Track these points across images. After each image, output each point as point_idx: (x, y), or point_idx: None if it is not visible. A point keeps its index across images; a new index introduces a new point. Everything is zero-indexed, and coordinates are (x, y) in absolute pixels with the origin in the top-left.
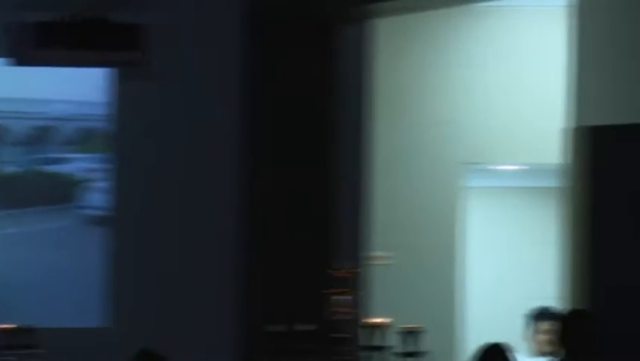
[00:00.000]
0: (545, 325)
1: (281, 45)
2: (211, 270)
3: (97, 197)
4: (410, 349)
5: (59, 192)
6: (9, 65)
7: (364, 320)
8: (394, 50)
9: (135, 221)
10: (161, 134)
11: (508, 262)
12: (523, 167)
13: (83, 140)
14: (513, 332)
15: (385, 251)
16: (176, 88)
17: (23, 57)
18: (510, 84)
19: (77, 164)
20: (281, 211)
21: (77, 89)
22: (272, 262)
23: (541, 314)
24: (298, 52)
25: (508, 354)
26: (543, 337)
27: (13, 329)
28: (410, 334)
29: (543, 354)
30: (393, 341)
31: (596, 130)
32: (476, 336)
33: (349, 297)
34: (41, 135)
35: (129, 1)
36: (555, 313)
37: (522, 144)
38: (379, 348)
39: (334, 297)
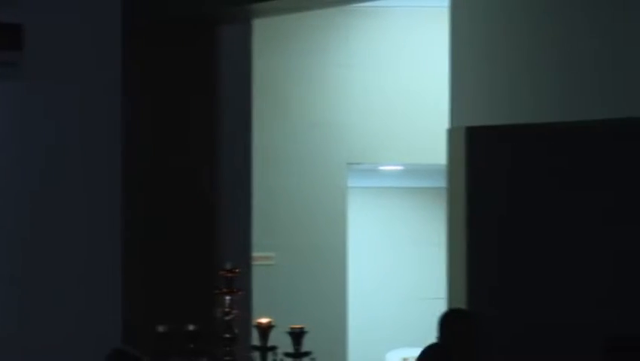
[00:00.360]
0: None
1: (160, 45)
2: (94, 271)
3: None
4: (295, 349)
5: None
6: None
7: (249, 320)
8: (273, 50)
9: (15, 222)
10: (40, 135)
11: (390, 261)
12: (406, 167)
13: None
14: (394, 331)
15: (269, 252)
16: (55, 87)
17: None
18: (391, 84)
19: None
20: (165, 212)
21: None
22: (156, 263)
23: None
24: (177, 51)
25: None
26: None
27: None
28: (294, 334)
29: None
30: (278, 341)
31: (473, 130)
32: (358, 336)
33: (235, 297)
34: None
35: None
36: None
37: (405, 145)
38: (265, 348)
39: (221, 297)
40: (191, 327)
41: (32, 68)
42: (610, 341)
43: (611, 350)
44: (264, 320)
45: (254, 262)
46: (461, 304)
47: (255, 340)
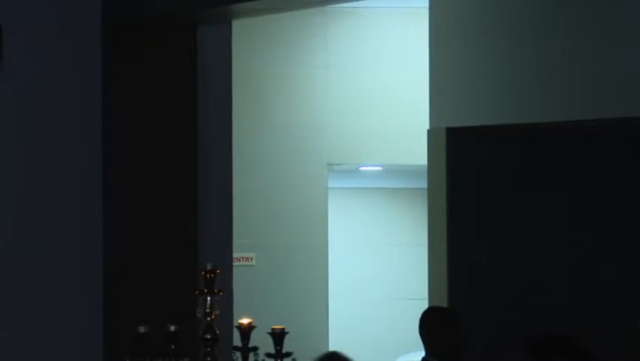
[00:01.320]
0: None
1: (140, 46)
2: (75, 271)
3: None
4: (276, 350)
5: None
6: None
7: (230, 321)
8: (252, 51)
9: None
10: (19, 135)
11: (371, 262)
12: (386, 168)
13: None
14: (375, 331)
15: (249, 252)
16: (35, 88)
17: None
18: (370, 85)
19: None
20: (146, 212)
21: None
22: (137, 263)
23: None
24: (156, 52)
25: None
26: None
27: None
28: (275, 335)
29: None
30: (259, 342)
31: (453, 131)
32: (338, 336)
33: (216, 298)
34: None
35: None
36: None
37: (385, 145)
38: (247, 349)
39: (202, 298)
40: (172, 328)
41: (11, 68)
42: (532, 340)
43: (534, 349)
44: (245, 321)
45: (235, 263)
46: (443, 305)
47: (236, 341)
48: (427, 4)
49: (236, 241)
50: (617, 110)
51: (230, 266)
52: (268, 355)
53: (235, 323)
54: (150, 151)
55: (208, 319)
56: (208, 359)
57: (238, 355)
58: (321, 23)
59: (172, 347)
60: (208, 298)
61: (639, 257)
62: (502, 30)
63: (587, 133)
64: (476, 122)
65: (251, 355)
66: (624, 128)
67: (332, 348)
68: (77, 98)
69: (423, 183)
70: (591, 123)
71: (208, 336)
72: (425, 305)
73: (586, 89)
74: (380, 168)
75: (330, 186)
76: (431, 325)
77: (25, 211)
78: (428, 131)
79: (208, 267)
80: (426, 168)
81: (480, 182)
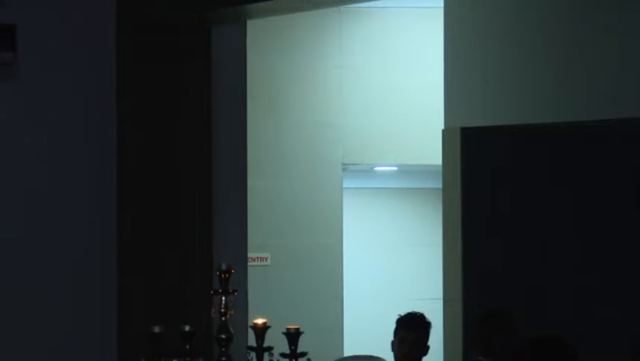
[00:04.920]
0: (401, 333)
1: (154, 46)
2: (89, 271)
3: None
4: (291, 350)
5: None
6: None
7: (245, 321)
8: (267, 51)
9: (7, 223)
10: (34, 136)
11: (386, 262)
12: (401, 168)
13: None
14: (390, 332)
15: (264, 252)
16: (49, 88)
17: None
18: (385, 85)
19: None
20: (160, 212)
21: None
22: (151, 263)
23: (400, 321)
24: (170, 52)
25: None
26: (400, 346)
27: None
28: (290, 335)
29: None
30: (274, 342)
31: (468, 131)
32: (352, 336)
33: (231, 298)
34: None
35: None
36: (415, 321)
37: (400, 145)
38: (261, 349)
39: (216, 298)
40: (186, 328)
41: (25, 68)
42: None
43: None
44: (260, 321)
45: (250, 263)
46: (458, 305)
47: (251, 340)
48: (442, 4)
49: (251, 241)
50: (634, 110)
51: (245, 266)
52: (283, 355)
53: (249, 323)
54: (164, 151)
55: (223, 319)
56: (223, 359)
57: (252, 355)
58: (336, 23)
59: (187, 347)
60: (223, 298)
61: None
62: (516, 30)
63: (604, 134)
64: (491, 122)
65: (266, 355)
66: None
67: (346, 348)
68: (91, 99)
69: (438, 184)
70: (608, 124)
71: (223, 336)
72: (439, 306)
73: (602, 90)
74: (395, 169)
75: (344, 186)
76: (486, 329)
77: (39, 210)
78: (443, 131)
79: (223, 267)
80: (441, 169)
81: (495, 182)
